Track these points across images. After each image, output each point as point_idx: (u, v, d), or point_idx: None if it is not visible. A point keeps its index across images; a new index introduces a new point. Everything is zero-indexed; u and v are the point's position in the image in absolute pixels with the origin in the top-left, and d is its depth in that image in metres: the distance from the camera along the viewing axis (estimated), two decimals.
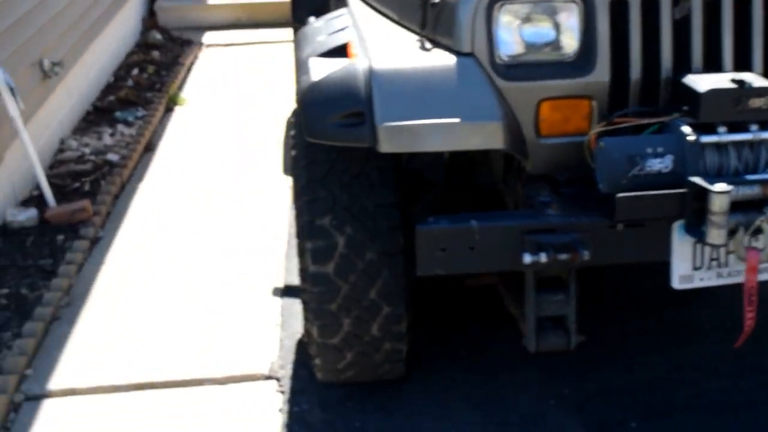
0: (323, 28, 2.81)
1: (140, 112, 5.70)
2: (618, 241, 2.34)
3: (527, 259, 2.26)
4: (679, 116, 2.30)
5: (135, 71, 6.47)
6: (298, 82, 2.50)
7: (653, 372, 3.07)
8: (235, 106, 5.98)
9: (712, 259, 2.36)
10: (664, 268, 2.38)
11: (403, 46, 2.45)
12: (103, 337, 3.43)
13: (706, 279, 2.38)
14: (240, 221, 4.35)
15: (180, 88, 6.37)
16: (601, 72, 2.35)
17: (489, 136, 2.31)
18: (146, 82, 6.24)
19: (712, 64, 2.39)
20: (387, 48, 2.43)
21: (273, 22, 7.69)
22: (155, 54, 6.81)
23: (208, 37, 7.52)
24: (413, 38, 2.49)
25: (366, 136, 2.29)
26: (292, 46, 7.09)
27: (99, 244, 4.19)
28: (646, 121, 2.31)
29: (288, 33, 7.35)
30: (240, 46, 7.33)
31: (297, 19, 4.95)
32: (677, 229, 2.32)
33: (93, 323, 3.53)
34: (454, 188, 2.85)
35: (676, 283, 2.39)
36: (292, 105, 5.86)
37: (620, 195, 2.20)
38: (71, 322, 3.54)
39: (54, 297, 3.64)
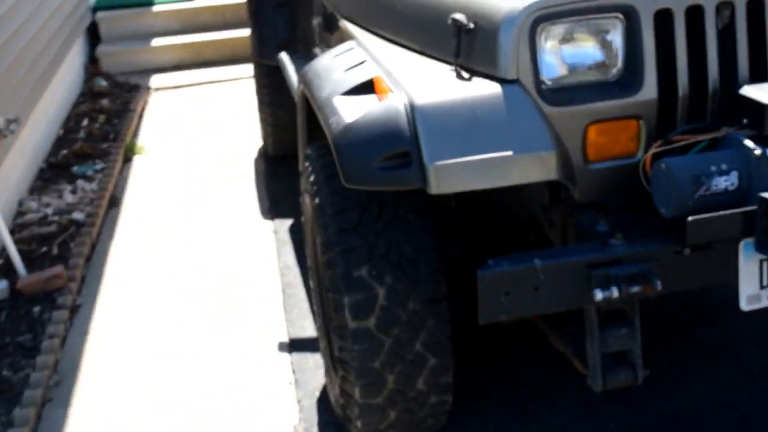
0: (335, 64, 2.62)
1: (99, 165, 5.41)
2: (685, 267, 2.20)
3: (599, 295, 2.10)
4: (734, 130, 2.18)
5: (85, 122, 6.17)
6: (326, 125, 2.31)
7: (695, 397, 2.93)
8: (195, 150, 5.74)
9: None
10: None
11: (439, 77, 2.27)
12: (103, 416, 3.16)
13: None
14: (224, 272, 4.11)
15: (135, 136, 6.09)
16: (649, 89, 2.21)
17: (544, 167, 2.15)
18: (99, 133, 5.95)
19: (757, 74, 2.28)
20: (422, 81, 2.24)
21: (220, 60, 7.47)
22: (104, 102, 6.51)
23: (156, 80, 7.25)
24: (445, 68, 2.32)
25: (414, 178, 2.11)
26: (245, 82, 6.92)
27: (79, 313, 3.90)
28: (705, 137, 2.18)
29: (239, 70, 7.17)
30: (190, 87, 7.08)
31: (262, 54, 4.74)
32: (744, 248, 2.19)
33: (90, 402, 3.25)
34: (486, 223, 2.68)
35: (744, 305, 2.25)
36: (256, 142, 5.67)
37: (692, 218, 2.05)
38: (65, 403, 3.25)
39: (41, 377, 3.35)
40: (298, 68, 4.28)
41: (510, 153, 2.11)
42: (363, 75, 2.42)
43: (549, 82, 2.20)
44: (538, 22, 2.16)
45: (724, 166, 2.11)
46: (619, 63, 2.22)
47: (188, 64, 7.50)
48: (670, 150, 2.22)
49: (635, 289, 2.11)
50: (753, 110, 2.13)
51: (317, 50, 3.81)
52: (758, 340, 3.15)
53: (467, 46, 2.27)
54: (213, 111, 6.51)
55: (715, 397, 2.92)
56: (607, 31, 2.21)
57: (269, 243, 4.34)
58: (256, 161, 5.48)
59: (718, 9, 2.23)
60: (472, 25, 2.23)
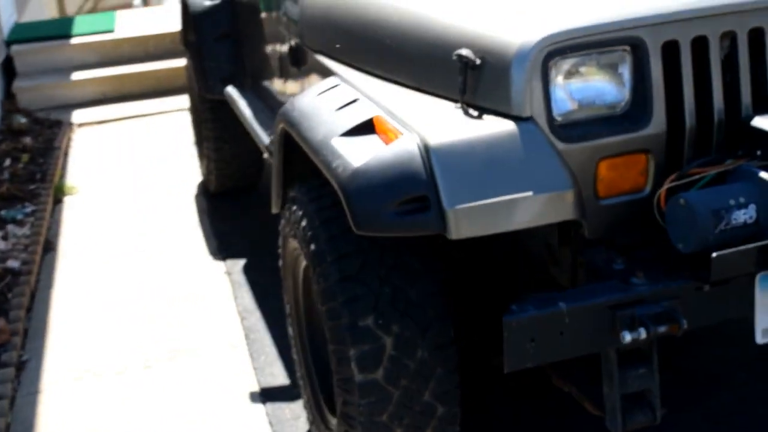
0: (322, 103, 2.50)
1: (29, 208, 5.12)
2: (706, 303, 2.15)
3: (627, 337, 2.03)
4: (745, 161, 2.16)
5: (8, 162, 5.85)
6: (328, 168, 2.18)
7: (696, 428, 2.91)
8: (130, 189, 5.51)
9: None
10: None
11: (446, 115, 2.18)
12: None
13: None
14: (177, 318, 3.91)
15: (63, 175, 5.80)
16: (658, 123, 2.17)
17: (563, 206, 2.08)
18: (24, 173, 5.66)
19: (760, 105, 2.27)
20: (431, 120, 2.14)
21: (144, 93, 7.24)
22: (26, 140, 6.19)
23: (78, 115, 6.95)
24: (449, 106, 2.23)
25: (433, 223, 2.00)
26: (172, 116, 6.72)
27: (26, 369, 3.64)
28: (719, 169, 2.15)
29: (165, 103, 6.96)
30: (115, 122, 6.82)
31: (206, 89, 4.57)
32: (760, 281, 2.16)
33: None
34: (488, 263, 2.60)
35: (759, 338, 2.22)
36: (193, 179, 5.47)
37: (716, 254, 2.01)
38: None
39: None
40: (252, 104, 4.15)
41: (530, 193, 2.03)
42: (360, 115, 2.31)
43: (560, 118, 2.13)
44: (550, 56, 2.09)
45: (742, 199, 2.07)
46: (628, 97, 2.18)
47: (111, 98, 7.22)
48: (684, 186, 2.18)
49: (663, 329, 2.05)
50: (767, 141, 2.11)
51: (278, 85, 3.68)
52: (746, 367, 3.14)
53: (473, 83, 2.18)
54: (142, 147, 6.28)
55: (718, 427, 2.90)
56: (616, 65, 2.16)
57: (223, 285, 4.16)
58: (197, 198, 5.28)
59: (721, 39, 2.21)
60: (479, 61, 2.15)
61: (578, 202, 2.11)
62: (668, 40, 2.16)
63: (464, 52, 2.17)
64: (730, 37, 2.22)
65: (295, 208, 2.55)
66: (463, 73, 2.18)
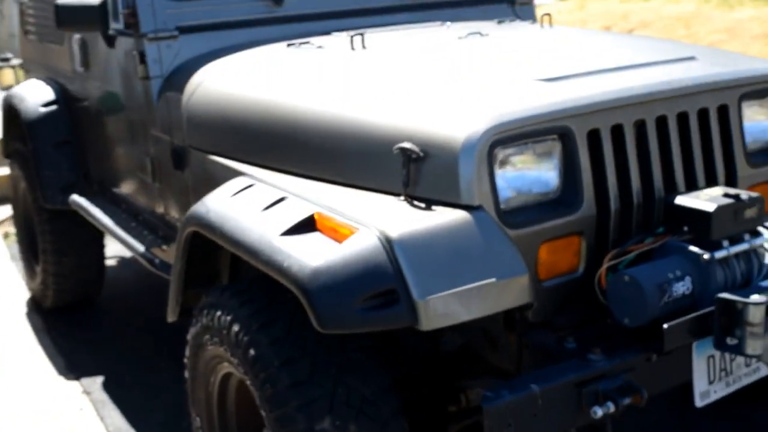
0: (241, 203, 2.42)
1: None
2: (656, 373, 2.25)
3: (599, 412, 2.07)
4: (675, 237, 2.30)
5: None
6: (279, 270, 2.09)
7: None
8: None
9: (721, 370, 2.37)
10: None
11: (393, 208, 2.16)
12: None
13: (719, 391, 2.38)
14: None
15: None
16: (589, 206, 2.29)
17: (521, 291, 2.11)
18: None
19: (690, 183, 2.45)
20: (382, 214, 2.12)
21: None
22: None
23: None
24: (390, 199, 2.22)
25: (403, 316, 1.97)
26: None
27: None
28: (652, 245, 2.28)
29: None
30: None
31: (47, 199, 4.29)
32: (696, 348, 2.30)
33: None
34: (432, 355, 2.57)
35: (699, 401, 2.35)
36: (16, 296, 5.07)
37: (668, 325, 2.12)
38: None
39: None
40: (110, 212, 3.94)
41: (493, 280, 2.05)
42: (295, 213, 2.24)
43: (503, 206, 2.19)
44: (494, 146, 2.16)
45: (678, 272, 2.21)
46: (561, 182, 2.28)
47: None
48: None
49: (627, 400, 2.11)
50: (695, 218, 2.26)
51: (147, 190, 3.52)
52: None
53: (416, 175, 2.20)
54: None
55: None
56: (549, 153, 2.26)
57: (85, 406, 3.84)
58: (29, 316, 4.87)
59: (635, 126, 2.37)
60: (422, 153, 2.18)
61: (531, 286, 2.15)
62: (592, 129, 2.29)
63: (407, 145, 2.19)
64: (642, 124, 2.38)
65: (218, 313, 2.41)
66: (406, 166, 2.19)
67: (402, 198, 2.21)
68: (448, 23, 3.61)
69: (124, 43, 3.49)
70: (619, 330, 2.23)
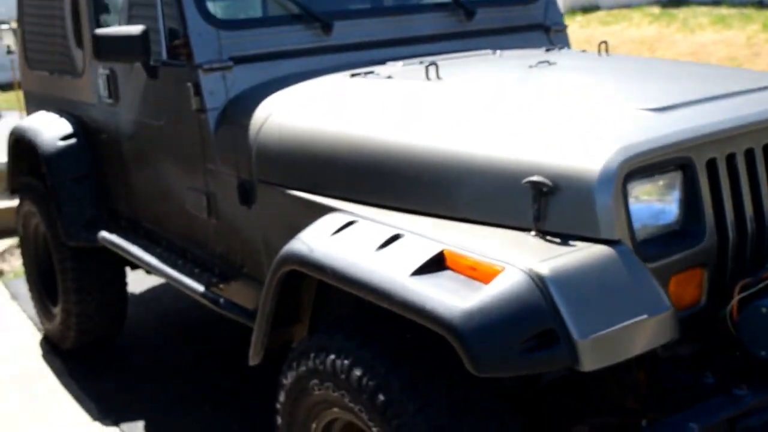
0: (350, 242, 2.33)
1: None
2: None
3: None
4: None
5: None
6: (421, 312, 2.00)
7: None
8: None
9: None
10: None
11: (530, 244, 2.10)
12: None
13: None
14: None
15: None
16: (711, 236, 2.26)
17: (670, 327, 2.05)
18: None
19: None
20: (520, 250, 2.06)
21: None
22: None
23: None
24: (518, 234, 2.16)
25: (564, 356, 1.91)
26: None
27: None
28: None
29: None
30: None
31: (70, 236, 4.13)
32: None
33: None
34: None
35: None
36: (30, 338, 4.87)
37: None
38: None
39: None
40: (141, 245, 3.81)
41: (646, 316, 2.00)
42: (420, 251, 2.16)
43: (638, 239, 2.14)
44: (628, 178, 2.12)
45: None
46: (681, 213, 2.24)
47: None
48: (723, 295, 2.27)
49: None
50: None
51: (200, 226, 3.40)
52: None
53: (545, 209, 2.15)
54: None
55: None
56: (672, 183, 2.23)
57: None
58: (47, 358, 4.68)
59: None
60: (553, 186, 2.12)
61: (677, 321, 2.10)
62: (710, 158, 2.26)
63: (537, 178, 2.13)
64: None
65: (332, 356, 2.32)
66: (537, 200, 2.13)
67: (533, 233, 2.15)
68: (499, 51, 3.56)
69: (169, 74, 3.38)
70: (753, 362, 2.20)
